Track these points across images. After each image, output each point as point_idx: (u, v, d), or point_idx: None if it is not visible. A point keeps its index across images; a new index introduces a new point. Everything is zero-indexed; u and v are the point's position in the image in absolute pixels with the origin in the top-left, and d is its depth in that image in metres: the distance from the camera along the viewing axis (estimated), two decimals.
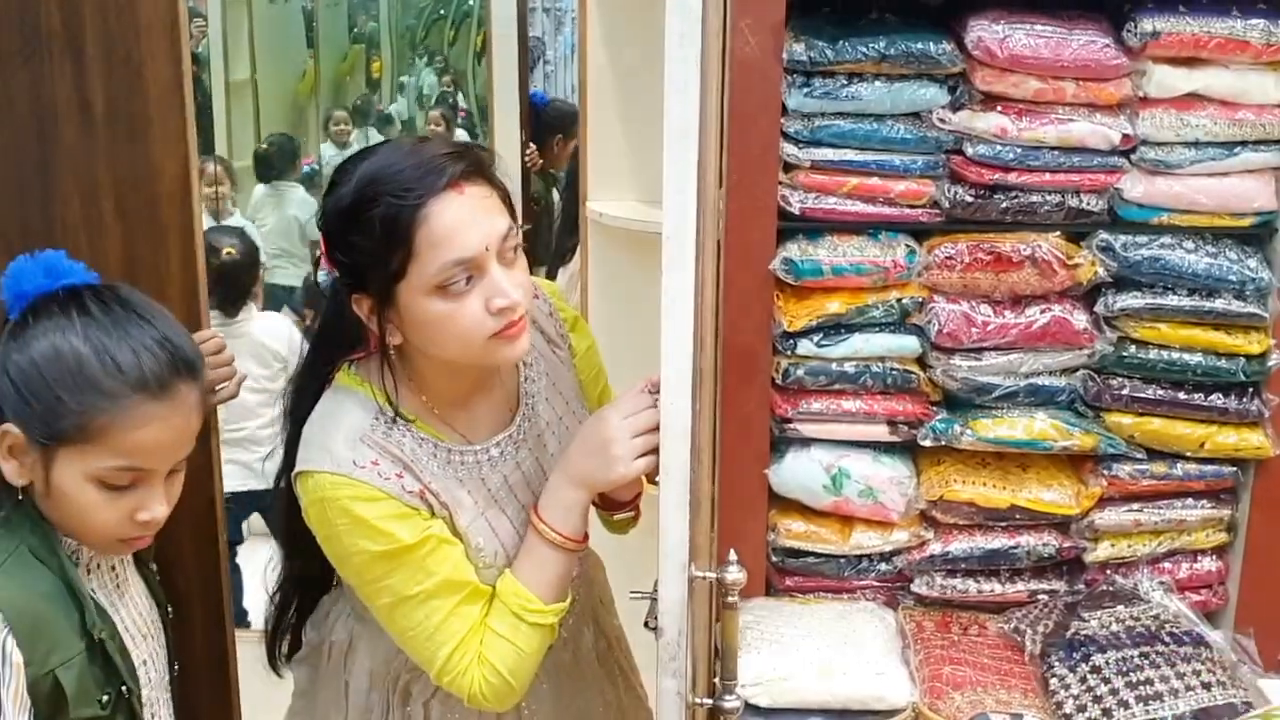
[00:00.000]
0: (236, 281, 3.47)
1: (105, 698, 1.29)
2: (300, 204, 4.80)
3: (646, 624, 1.23)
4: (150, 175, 1.60)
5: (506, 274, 1.31)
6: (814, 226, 1.57)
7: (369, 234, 1.29)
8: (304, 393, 1.46)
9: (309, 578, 1.55)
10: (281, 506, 1.48)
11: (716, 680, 1.29)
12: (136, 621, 1.39)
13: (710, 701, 1.26)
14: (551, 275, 3.88)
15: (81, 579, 1.30)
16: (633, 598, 1.33)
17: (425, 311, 1.30)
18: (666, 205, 1.09)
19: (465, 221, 1.28)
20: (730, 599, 1.23)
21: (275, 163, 4.86)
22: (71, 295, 1.28)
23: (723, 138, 1.48)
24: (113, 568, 1.37)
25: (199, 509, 1.67)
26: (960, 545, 1.61)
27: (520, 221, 1.40)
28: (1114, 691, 1.42)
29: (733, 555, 1.24)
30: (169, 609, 1.46)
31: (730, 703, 1.25)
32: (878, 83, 1.51)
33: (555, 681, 1.55)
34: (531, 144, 4.20)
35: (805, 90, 1.51)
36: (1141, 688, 1.42)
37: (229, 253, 3.47)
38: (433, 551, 1.35)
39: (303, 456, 1.38)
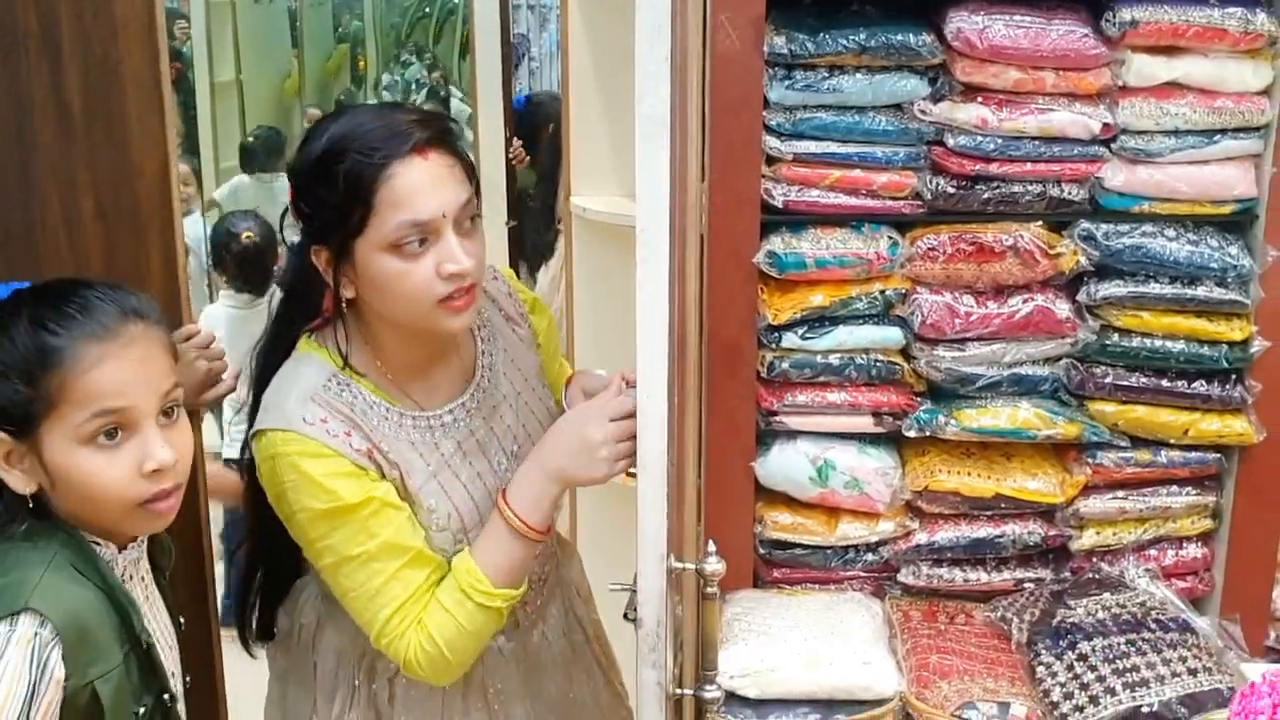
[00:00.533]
0: (260, 263, 3.52)
1: (142, 709, 1.27)
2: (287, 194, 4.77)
3: (626, 615, 1.23)
4: (129, 174, 1.59)
5: (461, 243, 1.36)
6: (797, 219, 1.57)
7: (333, 188, 1.33)
8: (269, 359, 1.49)
9: (274, 551, 1.55)
10: (247, 474, 1.50)
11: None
12: (163, 634, 1.37)
13: (690, 692, 1.26)
14: (533, 271, 3.86)
15: (122, 583, 1.28)
16: (612, 590, 1.33)
17: (379, 269, 1.35)
18: (639, 200, 1.09)
19: (426, 186, 1.33)
20: (710, 590, 1.23)
21: (260, 155, 4.84)
22: (11, 296, 1.27)
23: (704, 131, 1.48)
24: (142, 578, 1.35)
25: (185, 517, 1.66)
26: (946, 535, 1.62)
27: (480, 198, 1.44)
28: (1100, 679, 1.42)
29: (711, 546, 1.24)
30: (181, 621, 1.44)
31: (710, 693, 1.25)
32: (859, 75, 1.51)
33: (523, 661, 1.57)
34: (517, 140, 4.19)
35: (786, 83, 1.51)
36: (1128, 674, 1.42)
37: (248, 236, 3.52)
38: (375, 513, 1.38)
39: (259, 419, 1.42)
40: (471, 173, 1.41)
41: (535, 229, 4.14)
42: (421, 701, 1.51)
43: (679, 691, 1.26)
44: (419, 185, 1.33)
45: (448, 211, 1.34)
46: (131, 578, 1.32)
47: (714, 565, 1.24)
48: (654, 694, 1.17)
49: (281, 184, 4.96)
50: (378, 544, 1.37)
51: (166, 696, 1.30)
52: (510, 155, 3.98)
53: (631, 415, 1.34)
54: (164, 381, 1.27)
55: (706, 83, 1.47)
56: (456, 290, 1.36)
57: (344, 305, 1.42)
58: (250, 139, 4.92)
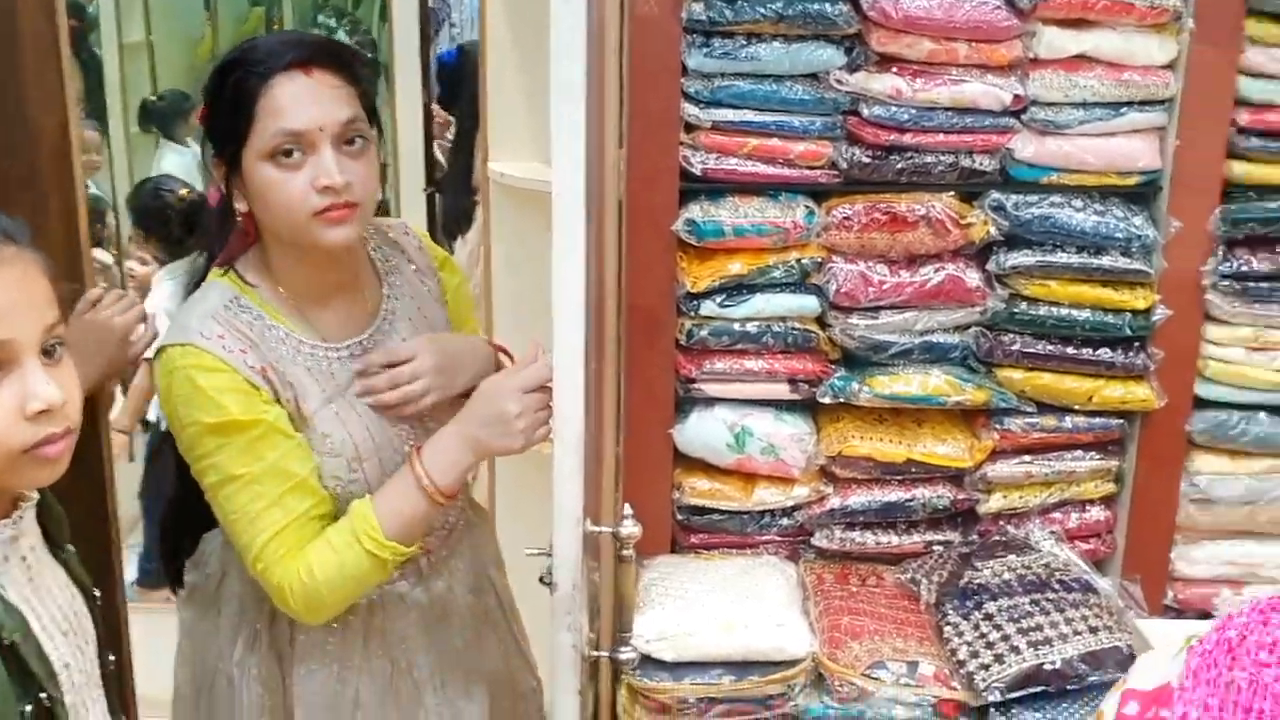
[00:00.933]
0: (201, 217, 3.40)
1: (28, 708, 1.12)
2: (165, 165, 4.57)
3: (542, 580, 1.24)
4: (27, 136, 1.54)
5: (341, 161, 1.39)
6: (715, 187, 1.58)
7: (224, 98, 1.41)
8: (190, 292, 1.51)
9: (186, 501, 1.54)
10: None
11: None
12: (55, 619, 1.20)
13: (606, 654, 1.27)
14: (450, 239, 3.79)
15: None
16: (529, 555, 1.33)
17: (260, 178, 1.40)
18: (555, 166, 1.09)
19: (304, 99, 1.38)
20: (625, 552, 1.24)
21: (164, 116, 4.68)
22: None
23: (623, 97, 1.48)
24: (23, 558, 1.18)
25: (89, 488, 1.62)
26: (859, 499, 1.64)
27: (381, 131, 1.49)
28: (1005, 637, 1.46)
29: (628, 509, 1.25)
30: (96, 594, 1.28)
31: (626, 654, 1.26)
32: (776, 43, 1.52)
33: (428, 611, 1.57)
34: (437, 105, 4.10)
35: (705, 50, 1.51)
36: (1032, 633, 1.47)
37: (187, 193, 3.39)
38: (263, 436, 1.40)
39: (161, 339, 1.45)
40: (366, 101, 1.44)
41: (453, 195, 4.06)
42: (321, 645, 1.51)
43: (594, 654, 1.27)
44: (297, 97, 1.38)
45: (325, 125, 1.38)
46: (7, 559, 1.15)
47: (629, 529, 1.25)
48: (569, 656, 1.18)
49: (165, 151, 4.73)
50: (262, 467, 1.39)
51: (44, 696, 1.14)
52: (435, 123, 3.90)
53: (547, 385, 1.34)
54: (47, 311, 1.11)
55: (625, 49, 1.46)
56: (333, 205, 1.38)
57: (238, 219, 1.46)
58: (156, 98, 4.76)
